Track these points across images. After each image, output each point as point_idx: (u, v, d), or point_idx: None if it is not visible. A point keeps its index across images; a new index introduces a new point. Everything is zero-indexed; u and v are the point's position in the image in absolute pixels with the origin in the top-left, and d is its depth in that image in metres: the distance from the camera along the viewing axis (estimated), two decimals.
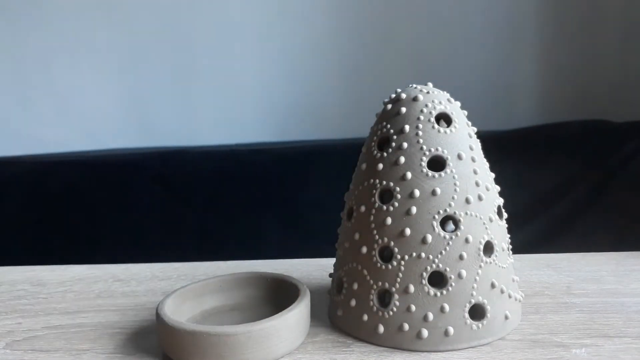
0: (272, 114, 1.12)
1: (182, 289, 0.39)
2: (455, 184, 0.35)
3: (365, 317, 0.36)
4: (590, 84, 1.10)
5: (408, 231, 0.34)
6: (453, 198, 0.34)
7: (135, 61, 1.10)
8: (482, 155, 0.38)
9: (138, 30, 1.09)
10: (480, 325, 0.35)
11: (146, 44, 1.09)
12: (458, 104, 0.38)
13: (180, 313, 0.37)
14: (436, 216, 0.34)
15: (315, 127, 1.11)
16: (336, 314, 0.38)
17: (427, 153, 0.35)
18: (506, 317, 0.36)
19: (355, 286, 0.37)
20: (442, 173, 0.35)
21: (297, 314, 0.34)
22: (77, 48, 1.09)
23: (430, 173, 0.35)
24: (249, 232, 0.95)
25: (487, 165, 0.38)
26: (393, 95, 0.38)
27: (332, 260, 0.41)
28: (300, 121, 1.12)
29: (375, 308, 0.35)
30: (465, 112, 0.38)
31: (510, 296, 0.37)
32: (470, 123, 0.38)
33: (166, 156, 0.99)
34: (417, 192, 0.34)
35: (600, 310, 0.40)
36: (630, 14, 1.08)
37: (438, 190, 0.34)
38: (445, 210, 0.34)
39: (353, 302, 0.37)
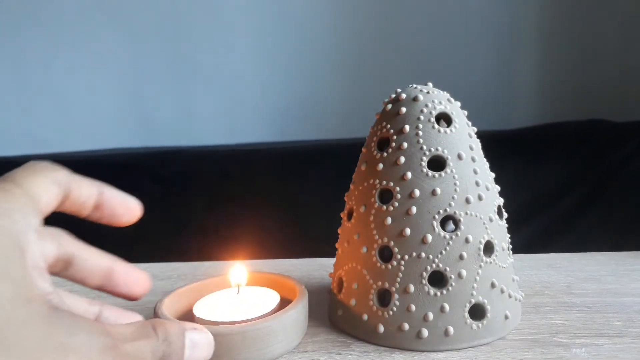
0: (272, 114, 1.12)
1: (181, 288, 0.39)
2: (455, 184, 0.35)
3: (365, 317, 0.36)
4: (590, 84, 1.10)
5: (408, 231, 0.34)
6: (453, 198, 0.35)
7: (135, 61, 1.10)
8: (482, 155, 0.38)
9: (138, 30, 1.09)
10: (480, 325, 0.35)
11: (146, 43, 1.09)
12: (458, 104, 0.38)
13: (178, 312, 0.37)
14: (436, 216, 0.34)
15: (315, 127, 1.11)
16: (336, 314, 0.38)
17: (427, 153, 0.35)
18: (506, 317, 0.36)
19: (355, 286, 0.37)
20: (442, 173, 0.35)
21: (294, 315, 0.34)
22: (77, 48, 1.09)
23: (430, 173, 0.35)
24: (249, 232, 0.95)
25: (487, 165, 0.38)
26: (393, 96, 0.38)
27: (332, 260, 0.41)
28: (300, 121, 1.12)
29: (375, 308, 0.35)
30: (465, 112, 0.38)
31: (510, 296, 0.37)
32: (470, 123, 0.38)
33: (166, 156, 0.99)
34: (417, 192, 0.34)
35: (600, 310, 0.40)
36: (630, 14, 1.08)
37: (438, 190, 0.34)
38: (445, 210, 0.34)
39: (353, 302, 0.37)
